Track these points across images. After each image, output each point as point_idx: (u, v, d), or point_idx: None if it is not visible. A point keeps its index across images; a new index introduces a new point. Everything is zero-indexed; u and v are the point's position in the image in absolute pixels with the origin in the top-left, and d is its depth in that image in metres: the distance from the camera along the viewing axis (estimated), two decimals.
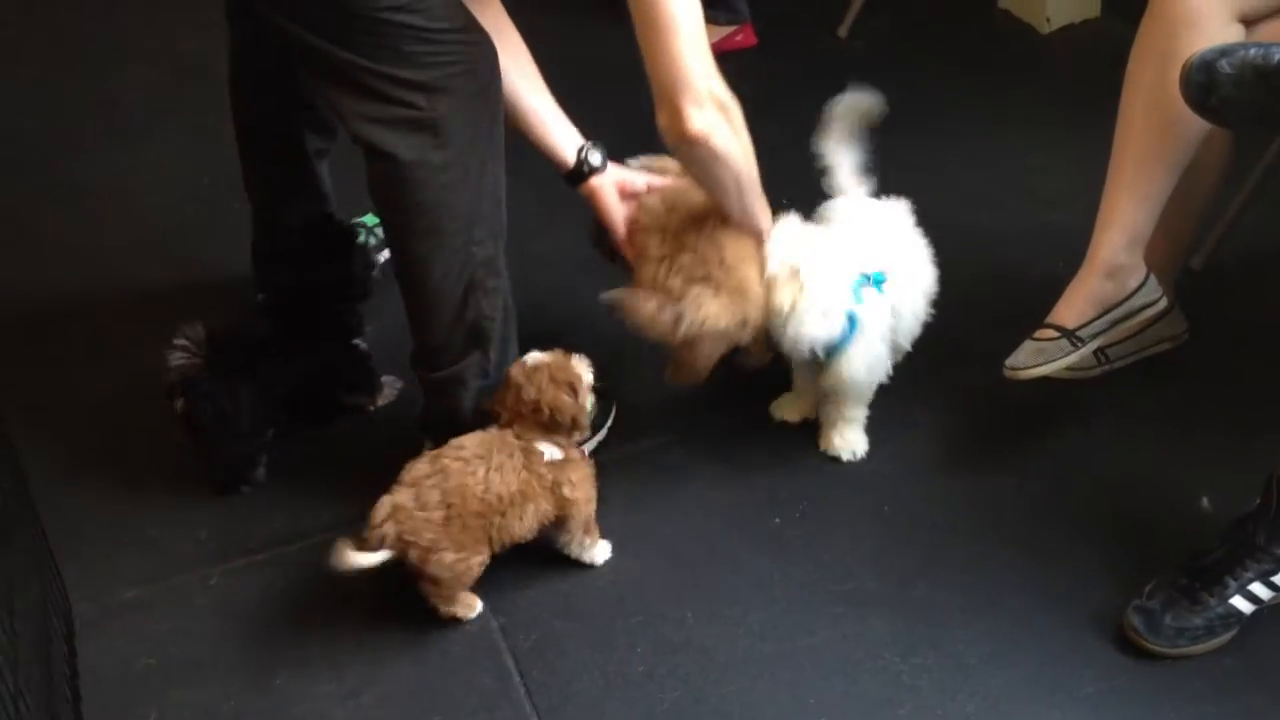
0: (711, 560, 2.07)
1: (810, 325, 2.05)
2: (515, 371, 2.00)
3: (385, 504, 1.90)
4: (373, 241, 2.53)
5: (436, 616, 1.97)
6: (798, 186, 2.88)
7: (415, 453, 2.18)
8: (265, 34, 2.00)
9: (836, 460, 2.23)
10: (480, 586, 1.98)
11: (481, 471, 1.91)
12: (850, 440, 2.23)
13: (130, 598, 2.06)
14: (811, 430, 2.28)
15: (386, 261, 2.47)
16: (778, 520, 2.13)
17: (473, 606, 1.98)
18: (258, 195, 2.46)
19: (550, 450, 1.97)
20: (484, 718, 1.86)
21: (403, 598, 2.01)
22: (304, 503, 2.20)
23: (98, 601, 2.05)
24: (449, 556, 1.89)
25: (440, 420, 2.13)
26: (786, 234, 2.08)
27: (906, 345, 2.21)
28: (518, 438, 1.97)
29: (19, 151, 3.19)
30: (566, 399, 1.97)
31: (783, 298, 2.03)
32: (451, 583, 1.92)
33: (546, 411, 1.96)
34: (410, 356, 2.14)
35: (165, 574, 2.09)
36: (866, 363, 2.12)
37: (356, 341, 2.32)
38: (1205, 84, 1.77)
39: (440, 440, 2.02)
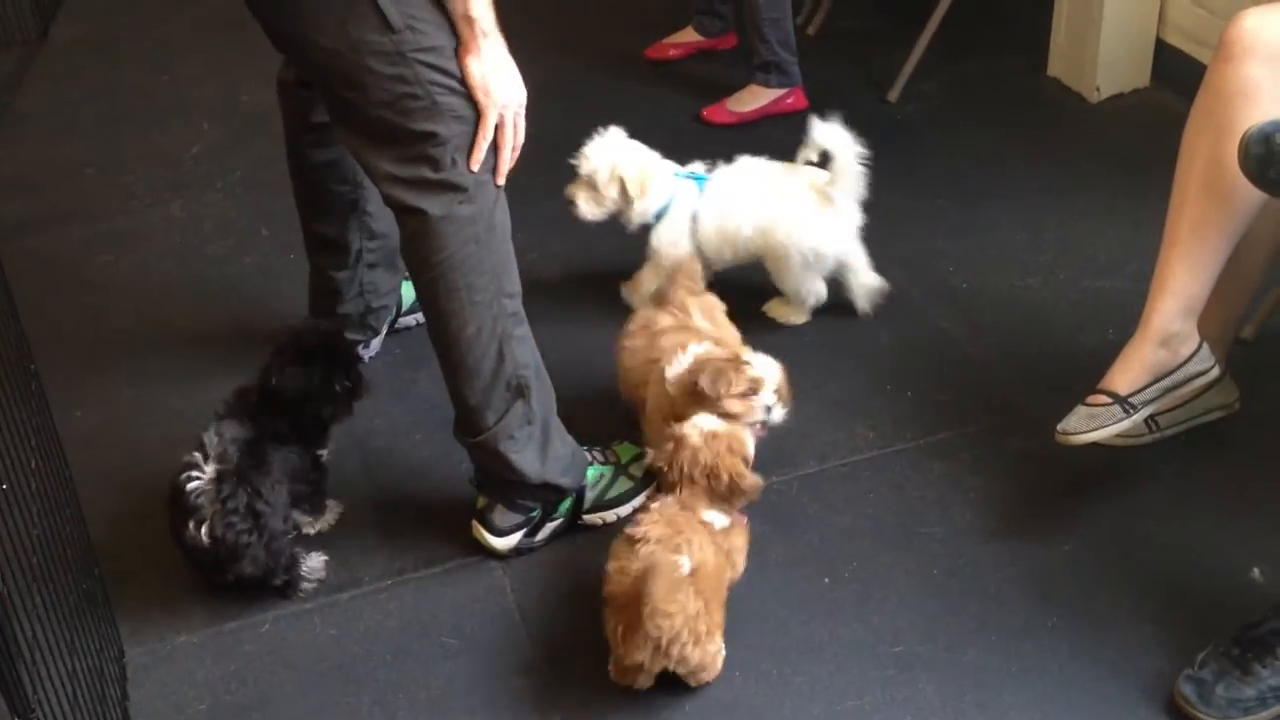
0: (761, 619, 2.07)
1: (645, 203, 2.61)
2: (692, 436, 2.00)
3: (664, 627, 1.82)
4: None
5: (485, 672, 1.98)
6: None
7: (465, 500, 2.21)
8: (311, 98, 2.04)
9: (886, 519, 2.23)
10: (525, 642, 1.99)
11: (697, 552, 1.90)
12: (784, 312, 2.69)
13: (182, 643, 2.09)
14: (861, 492, 2.29)
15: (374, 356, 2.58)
16: (827, 580, 2.13)
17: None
18: (311, 250, 2.51)
19: (719, 518, 1.98)
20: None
21: (452, 652, 2.03)
22: (355, 551, 2.22)
23: (150, 647, 2.08)
24: (714, 645, 1.92)
25: (493, 479, 2.14)
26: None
27: (713, 258, 2.64)
28: (684, 507, 1.97)
29: (79, 199, 3.27)
30: (744, 468, 1.99)
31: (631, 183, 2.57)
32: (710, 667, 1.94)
33: (725, 478, 1.97)
34: (454, 425, 2.14)
35: (217, 620, 2.12)
36: (670, 236, 2.61)
37: (321, 452, 2.25)
38: (1263, 156, 1.78)
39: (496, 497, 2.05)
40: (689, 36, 3.73)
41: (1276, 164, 1.78)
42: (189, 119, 3.57)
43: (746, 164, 2.67)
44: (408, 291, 2.62)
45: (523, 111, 1.95)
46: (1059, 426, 2.13)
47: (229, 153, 3.41)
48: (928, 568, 2.15)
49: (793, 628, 2.06)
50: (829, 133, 2.51)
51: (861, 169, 2.53)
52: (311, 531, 2.25)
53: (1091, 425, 2.13)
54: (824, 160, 2.57)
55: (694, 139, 3.20)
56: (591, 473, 2.25)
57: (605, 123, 2.63)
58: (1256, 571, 2.09)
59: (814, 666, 1.99)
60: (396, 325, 2.67)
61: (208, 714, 1.97)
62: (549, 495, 2.16)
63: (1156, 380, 2.17)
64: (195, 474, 2.01)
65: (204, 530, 2.00)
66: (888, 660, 1.99)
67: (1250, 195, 2.01)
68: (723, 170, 2.67)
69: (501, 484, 2.13)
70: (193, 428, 2.11)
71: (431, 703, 1.97)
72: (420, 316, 2.46)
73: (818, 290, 2.67)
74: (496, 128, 1.92)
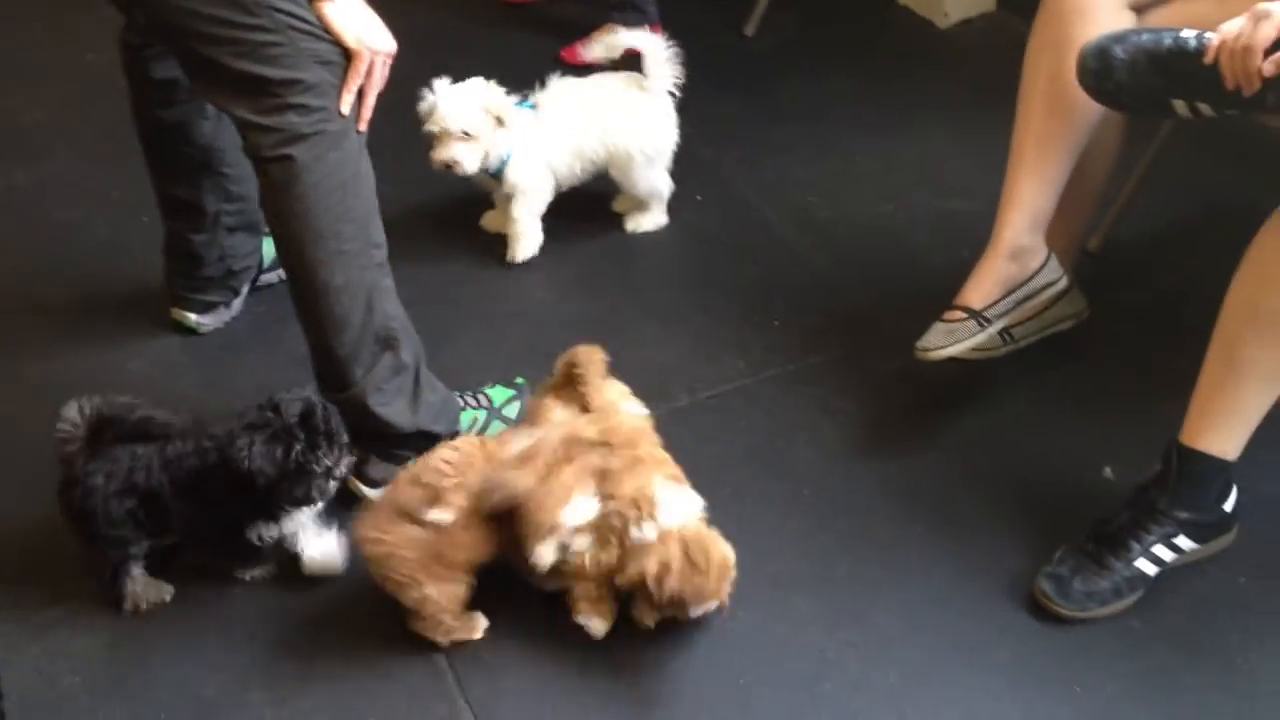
0: None
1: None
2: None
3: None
4: None
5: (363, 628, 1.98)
6: (711, 182, 2.95)
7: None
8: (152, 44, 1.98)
9: (758, 445, 2.28)
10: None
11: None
12: (644, 220, 2.78)
13: (53, 616, 2.04)
14: (733, 421, 2.33)
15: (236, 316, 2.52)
16: (703, 507, 2.17)
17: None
18: (166, 214, 2.45)
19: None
20: (419, 714, 1.87)
21: (331, 607, 2.02)
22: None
23: (20, 621, 2.03)
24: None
25: (366, 433, 2.11)
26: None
27: (565, 176, 2.69)
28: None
29: None
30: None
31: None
32: None
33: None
34: (317, 382, 2.09)
35: (86, 590, 2.06)
36: (526, 165, 2.64)
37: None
38: (1100, 70, 1.85)
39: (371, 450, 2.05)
40: None
41: (1112, 77, 1.84)
42: (29, 82, 3.44)
43: (563, 83, 2.71)
44: (269, 248, 2.57)
45: (390, 60, 1.94)
46: (918, 343, 2.19)
47: (72, 115, 3.29)
48: (799, 489, 2.20)
49: None
50: (632, 36, 2.68)
51: (671, 56, 2.65)
52: (248, 579, 2.07)
53: (949, 340, 2.19)
54: (628, 62, 2.71)
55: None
56: (465, 417, 2.24)
57: (464, 69, 2.60)
58: (1108, 470, 2.18)
59: None
60: (259, 283, 2.62)
61: (83, 685, 1.92)
62: (423, 443, 2.15)
63: (1009, 293, 2.24)
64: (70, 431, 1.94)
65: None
66: (763, 580, 2.03)
67: (1090, 109, 2.08)
68: (545, 94, 2.69)
69: (374, 437, 2.12)
70: (50, 399, 2.05)
71: (312, 656, 1.96)
72: (282, 273, 2.42)
73: (665, 184, 2.75)
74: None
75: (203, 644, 1.99)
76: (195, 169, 2.37)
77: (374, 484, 2.16)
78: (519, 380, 2.36)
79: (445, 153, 2.58)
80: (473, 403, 2.28)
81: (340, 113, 1.90)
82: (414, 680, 1.92)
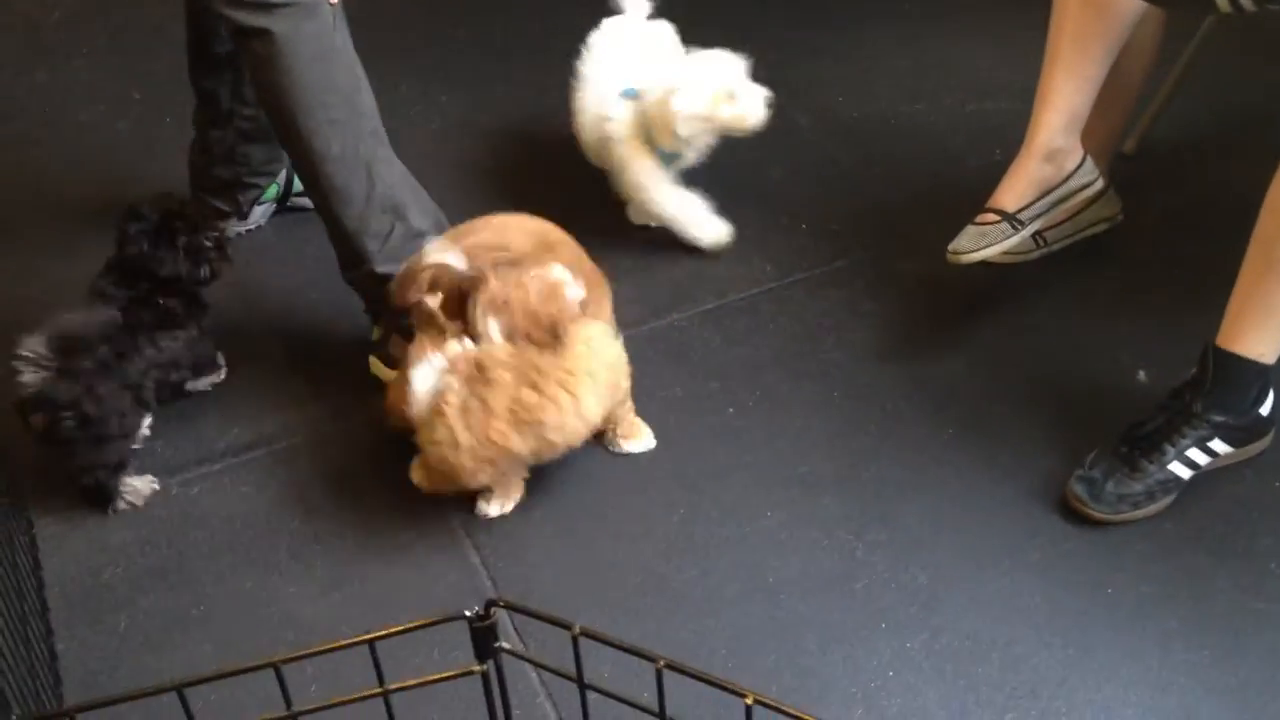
0: (666, 450, 2.11)
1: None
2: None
3: None
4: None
5: (400, 518, 2.00)
6: None
7: (363, 350, 2.20)
8: None
9: (786, 348, 2.27)
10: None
11: None
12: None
13: (91, 511, 2.06)
14: (762, 324, 2.32)
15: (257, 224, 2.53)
16: (731, 410, 2.17)
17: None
18: (197, 105, 2.44)
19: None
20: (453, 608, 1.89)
21: (367, 502, 2.04)
22: (263, 410, 2.21)
23: (60, 515, 2.06)
24: None
25: (388, 306, 2.11)
26: None
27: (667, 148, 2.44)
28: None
29: None
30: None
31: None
32: None
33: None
34: (339, 265, 2.15)
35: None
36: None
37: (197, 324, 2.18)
38: None
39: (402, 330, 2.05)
40: None
41: None
42: None
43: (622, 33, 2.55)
44: None
45: None
46: (950, 246, 2.17)
47: (91, 17, 3.25)
48: (828, 391, 2.20)
49: (699, 456, 2.10)
50: None
51: None
52: (207, 388, 2.23)
53: (981, 243, 2.17)
54: None
55: None
56: None
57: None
58: (1142, 374, 2.17)
59: (721, 492, 2.04)
60: (290, 204, 2.61)
61: (123, 577, 1.96)
62: None
63: (1042, 195, 2.21)
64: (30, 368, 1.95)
65: (38, 422, 1.96)
66: (792, 481, 2.04)
67: (1128, 5, 2.03)
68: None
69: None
70: (76, 295, 2.06)
71: (348, 552, 1.98)
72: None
73: None
74: None
75: (239, 541, 2.01)
76: (219, 61, 2.36)
77: (395, 365, 2.16)
78: None
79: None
80: None
81: None
82: (448, 575, 1.94)
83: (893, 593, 1.88)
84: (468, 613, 1.12)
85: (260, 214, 2.58)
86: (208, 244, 2.09)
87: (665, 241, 2.49)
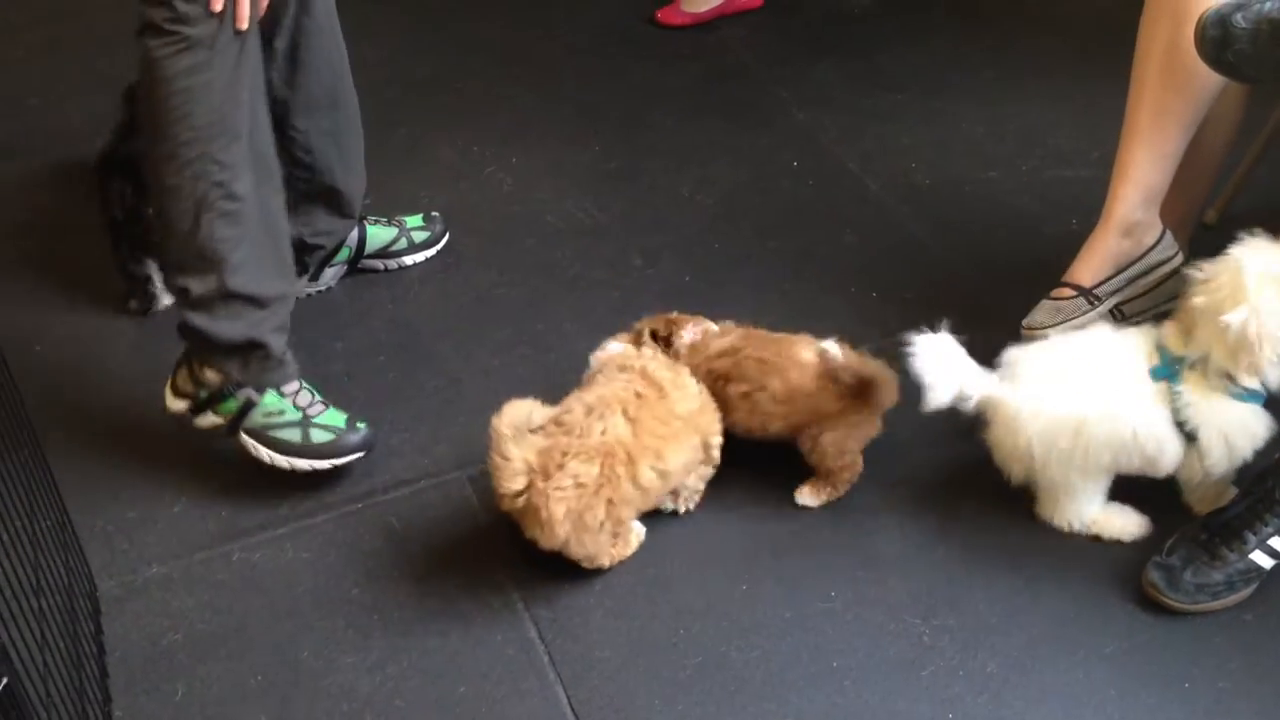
0: (728, 528, 2.08)
1: None
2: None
3: None
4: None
5: (458, 588, 1.99)
6: (808, 149, 2.90)
7: (431, 418, 2.19)
8: None
9: None
10: (498, 560, 2.00)
11: None
12: None
13: (154, 575, 2.07)
14: None
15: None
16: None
17: None
18: None
19: None
20: (509, 687, 1.87)
21: (426, 571, 2.03)
22: (321, 476, 2.21)
23: (122, 580, 2.07)
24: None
25: (194, 341, 2.12)
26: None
27: None
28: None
29: None
30: None
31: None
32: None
33: None
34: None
35: (187, 551, 2.10)
36: None
37: None
38: (1220, 38, 1.76)
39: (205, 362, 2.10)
40: None
41: (1233, 46, 1.76)
42: None
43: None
44: (375, 235, 2.61)
45: None
46: (1024, 321, 2.13)
47: None
48: (893, 470, 2.14)
49: (760, 534, 2.06)
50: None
51: None
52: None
53: (1056, 319, 2.13)
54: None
55: (649, 43, 3.14)
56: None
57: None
58: None
59: (784, 571, 2.00)
60: (360, 265, 2.63)
61: (183, 643, 1.96)
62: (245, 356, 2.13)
63: (1120, 271, 2.16)
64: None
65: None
66: (857, 562, 2.00)
67: (1208, 79, 1.99)
68: None
69: (201, 350, 2.13)
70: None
71: (405, 623, 1.97)
72: (388, 262, 2.65)
73: None
74: None
75: (298, 608, 2.00)
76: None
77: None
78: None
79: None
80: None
81: (212, 11, 1.90)
82: (506, 650, 1.92)
83: (961, 681, 1.83)
84: None
85: (331, 275, 2.60)
86: None
87: (734, 305, 2.46)
